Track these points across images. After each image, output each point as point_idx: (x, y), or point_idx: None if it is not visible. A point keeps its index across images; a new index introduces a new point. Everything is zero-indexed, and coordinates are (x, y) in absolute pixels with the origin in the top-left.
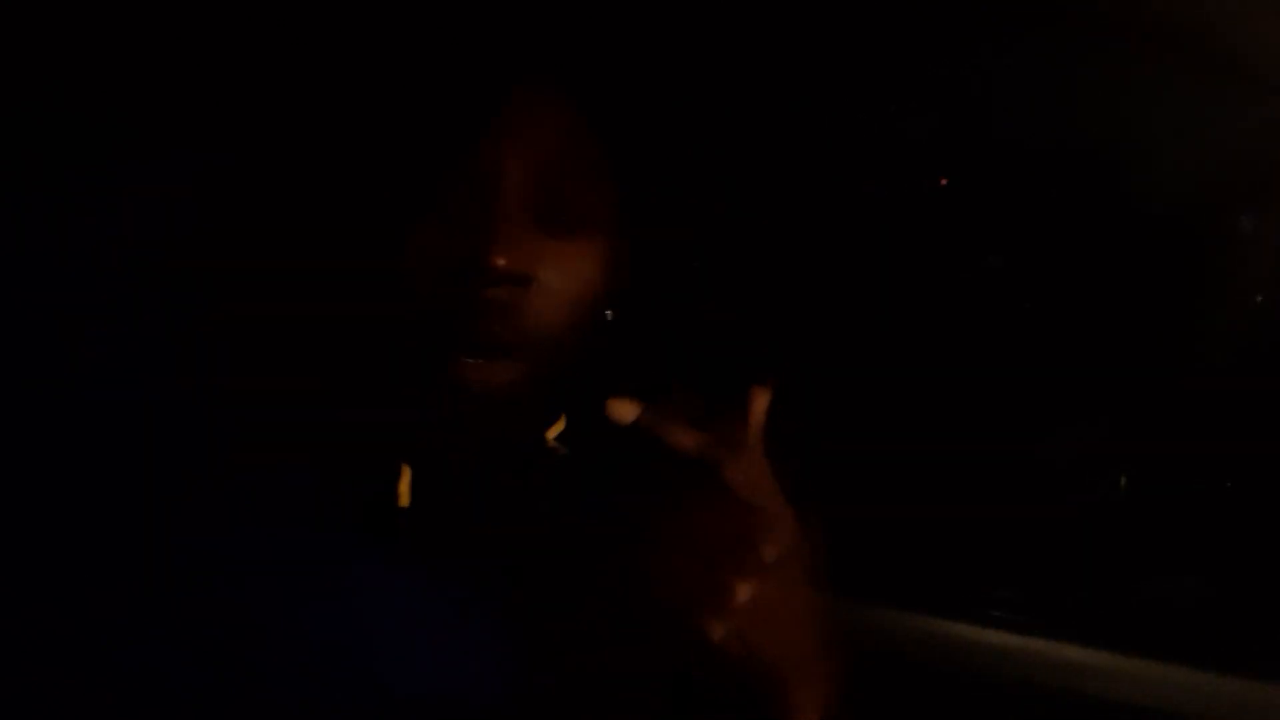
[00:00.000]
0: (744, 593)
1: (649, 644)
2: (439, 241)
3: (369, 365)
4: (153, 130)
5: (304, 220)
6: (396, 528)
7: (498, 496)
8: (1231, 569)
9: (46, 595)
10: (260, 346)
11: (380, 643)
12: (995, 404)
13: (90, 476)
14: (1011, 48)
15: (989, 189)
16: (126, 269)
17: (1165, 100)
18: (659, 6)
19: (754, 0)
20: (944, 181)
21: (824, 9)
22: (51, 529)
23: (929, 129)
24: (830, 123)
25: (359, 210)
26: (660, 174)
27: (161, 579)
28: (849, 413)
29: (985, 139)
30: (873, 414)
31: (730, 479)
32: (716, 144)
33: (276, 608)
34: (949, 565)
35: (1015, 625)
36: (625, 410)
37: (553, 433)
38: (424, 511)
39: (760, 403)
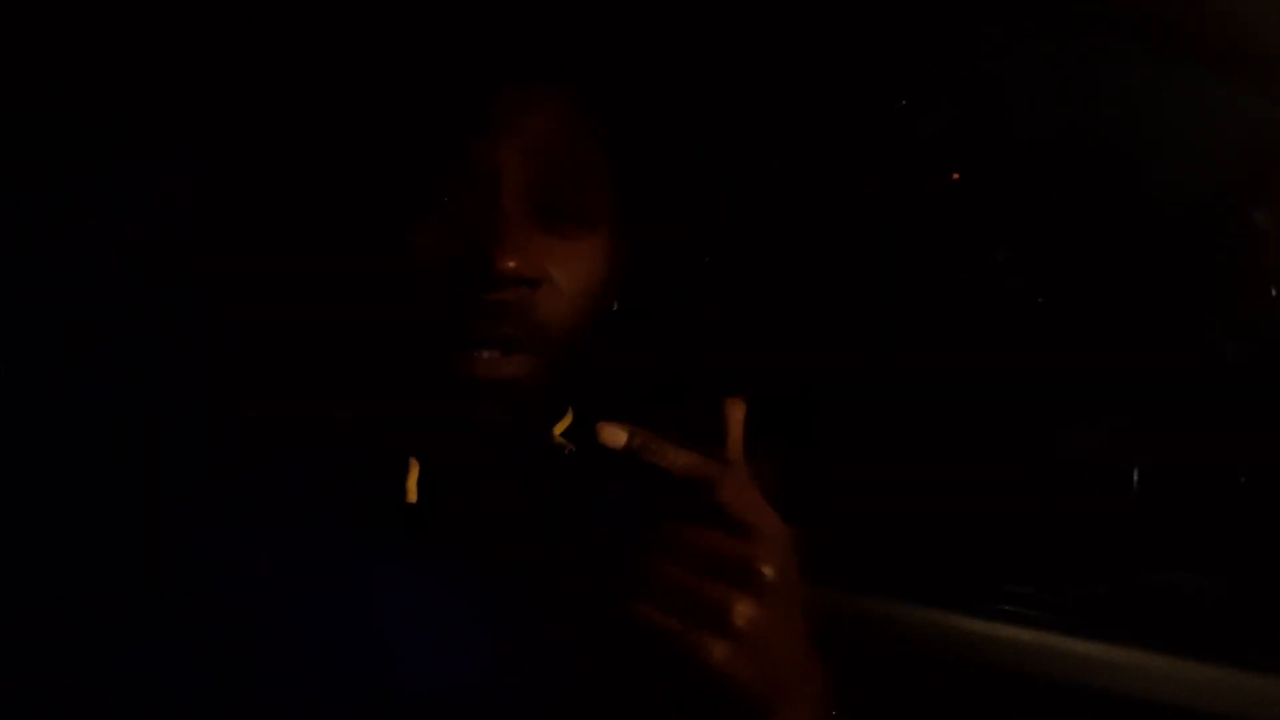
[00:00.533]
0: (742, 612)
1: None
2: (444, 242)
3: (377, 364)
4: (153, 130)
5: (308, 220)
6: (404, 525)
7: (505, 493)
8: (1243, 563)
9: (48, 595)
10: (265, 345)
11: (387, 639)
12: (1006, 399)
13: (92, 476)
14: (1022, 43)
15: (1000, 184)
16: (128, 269)
17: (1177, 95)
18: (660, 2)
19: None
20: (955, 176)
21: (832, 5)
22: (53, 529)
23: (939, 125)
24: (838, 118)
25: (363, 210)
26: (662, 169)
27: (166, 577)
28: (860, 409)
29: (996, 134)
30: (884, 410)
31: (723, 497)
32: (720, 137)
33: (283, 605)
34: (960, 560)
35: (1026, 620)
36: (615, 436)
37: (559, 429)
38: (432, 508)
39: (736, 416)
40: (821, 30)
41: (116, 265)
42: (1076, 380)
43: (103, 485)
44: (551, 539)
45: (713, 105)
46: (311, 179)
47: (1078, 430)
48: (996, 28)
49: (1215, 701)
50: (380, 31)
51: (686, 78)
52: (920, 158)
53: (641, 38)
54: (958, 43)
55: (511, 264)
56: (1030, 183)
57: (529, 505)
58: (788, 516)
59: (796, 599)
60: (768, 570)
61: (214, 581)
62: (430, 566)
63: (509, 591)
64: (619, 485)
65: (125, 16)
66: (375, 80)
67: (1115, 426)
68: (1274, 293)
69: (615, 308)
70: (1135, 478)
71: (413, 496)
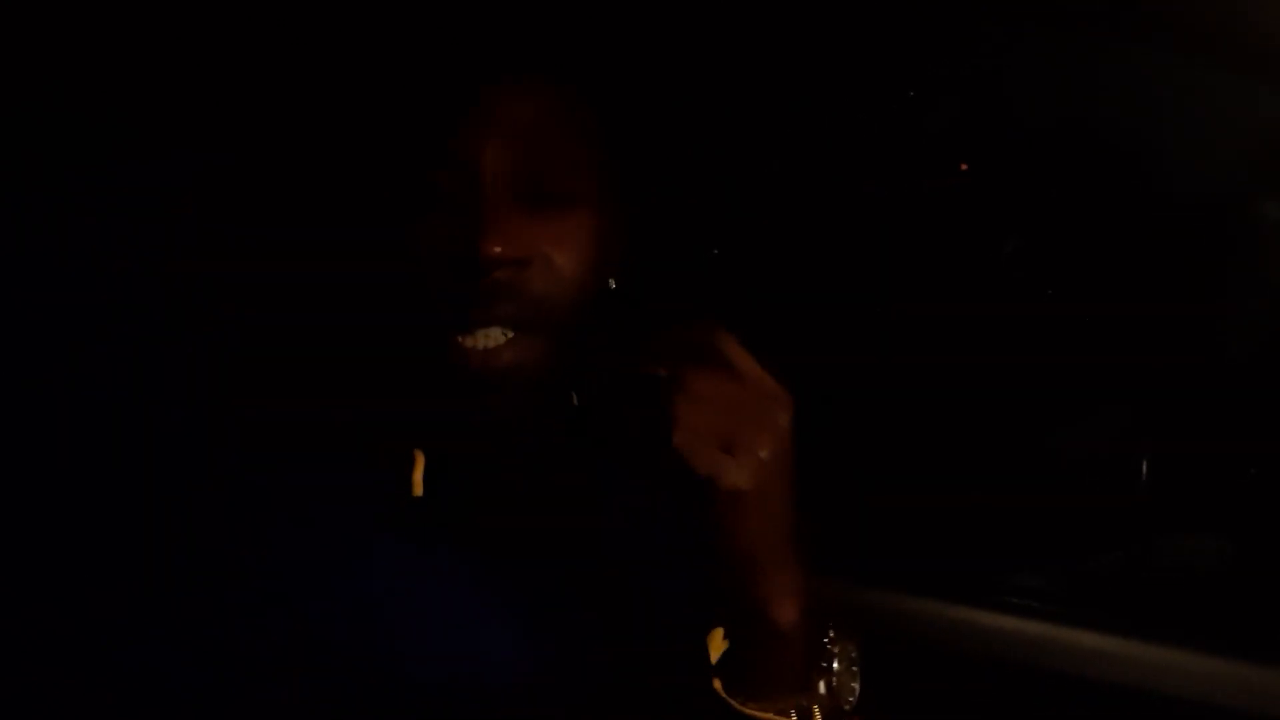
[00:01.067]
0: (764, 443)
1: (659, 626)
2: (433, 234)
3: (379, 358)
4: (153, 130)
5: (303, 218)
6: (411, 518)
7: (511, 482)
8: (1253, 557)
9: (48, 595)
10: (267, 343)
11: (398, 632)
12: (1016, 390)
13: (92, 476)
14: (1030, 37)
15: (1008, 178)
16: (128, 269)
17: (1185, 88)
18: None
19: None
20: (964, 167)
21: None
22: (53, 529)
23: (947, 118)
24: (842, 109)
25: (354, 207)
26: (651, 149)
27: (167, 577)
28: (871, 401)
29: (1004, 128)
30: (895, 403)
31: (731, 352)
32: (717, 124)
33: (289, 602)
34: (967, 552)
35: (1033, 612)
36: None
37: (563, 416)
38: (438, 498)
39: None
40: (825, 18)
41: (116, 265)
42: (1083, 372)
43: (103, 485)
44: (558, 526)
45: (705, 91)
46: (303, 178)
47: (1087, 422)
48: (1004, 21)
49: (1222, 694)
50: (361, 26)
51: (676, 65)
52: (928, 150)
53: (628, 26)
54: (966, 36)
55: (497, 248)
56: (1038, 176)
57: (535, 493)
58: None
59: (790, 462)
60: (782, 416)
61: (217, 580)
62: (438, 558)
63: (518, 580)
64: (625, 470)
65: (125, 16)
66: (358, 76)
67: (1123, 420)
68: None
69: (613, 286)
70: (1144, 470)
71: (418, 490)
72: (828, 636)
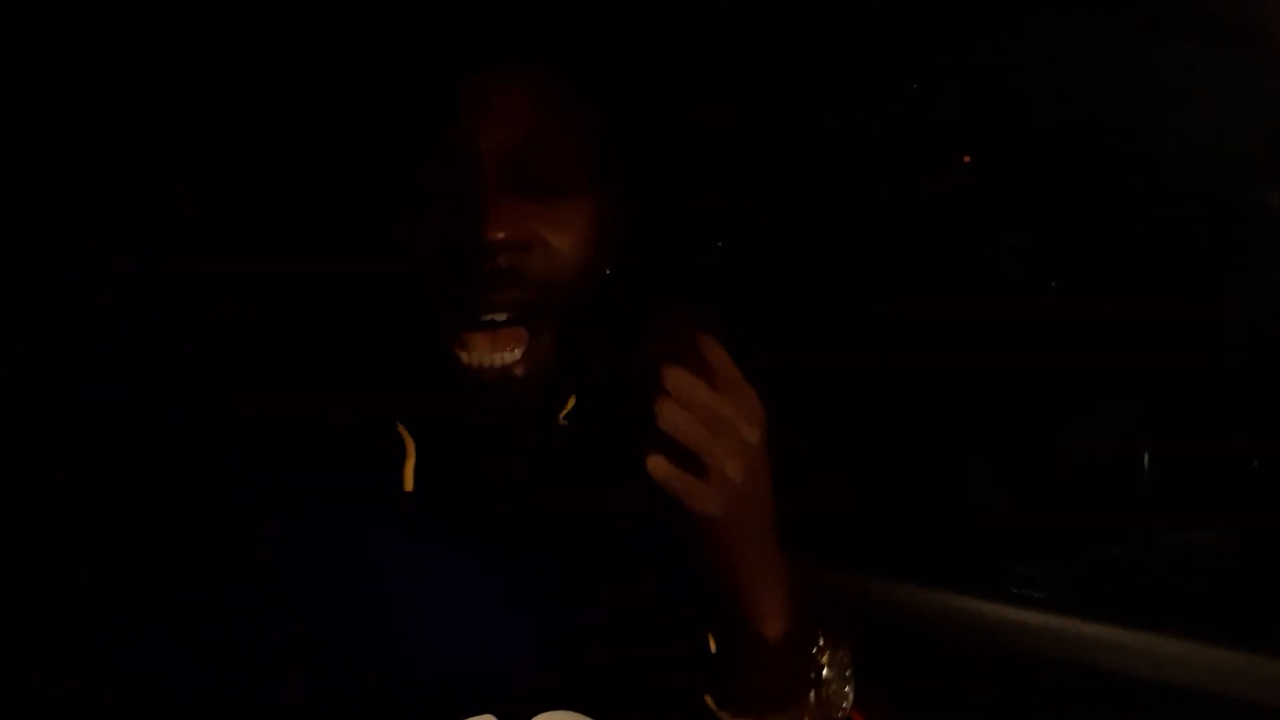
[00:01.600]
0: (733, 467)
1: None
2: (433, 226)
3: (383, 353)
4: (152, 130)
5: (302, 215)
6: (404, 513)
7: (505, 476)
8: (1254, 545)
9: (50, 595)
10: (266, 342)
11: (395, 627)
12: (1019, 385)
13: (92, 476)
14: (1037, 26)
15: (1013, 169)
16: (128, 267)
17: (1191, 78)
18: None
19: None
20: (966, 159)
21: None
22: (53, 529)
23: (953, 108)
24: (843, 100)
25: (354, 203)
26: (646, 134)
27: (169, 575)
28: (874, 393)
29: (1009, 118)
30: (895, 395)
31: (713, 357)
32: (709, 113)
33: (287, 599)
34: (970, 543)
35: (1035, 602)
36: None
37: (563, 413)
38: (432, 493)
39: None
40: (828, 6)
41: (116, 265)
42: (1087, 367)
43: (103, 485)
44: (555, 520)
45: (702, 77)
46: (302, 177)
47: (1090, 415)
48: (1008, 13)
49: (1228, 683)
50: (351, 15)
51: (672, 50)
52: (930, 143)
53: (622, 10)
54: (970, 27)
55: (499, 233)
56: (1043, 167)
57: (531, 487)
58: (795, 499)
59: (766, 479)
60: (754, 432)
61: (217, 580)
62: (434, 553)
63: (516, 574)
64: (621, 464)
65: (125, 16)
66: (350, 69)
67: (1126, 413)
68: None
69: (608, 271)
70: (1146, 461)
71: (409, 486)
72: (817, 646)
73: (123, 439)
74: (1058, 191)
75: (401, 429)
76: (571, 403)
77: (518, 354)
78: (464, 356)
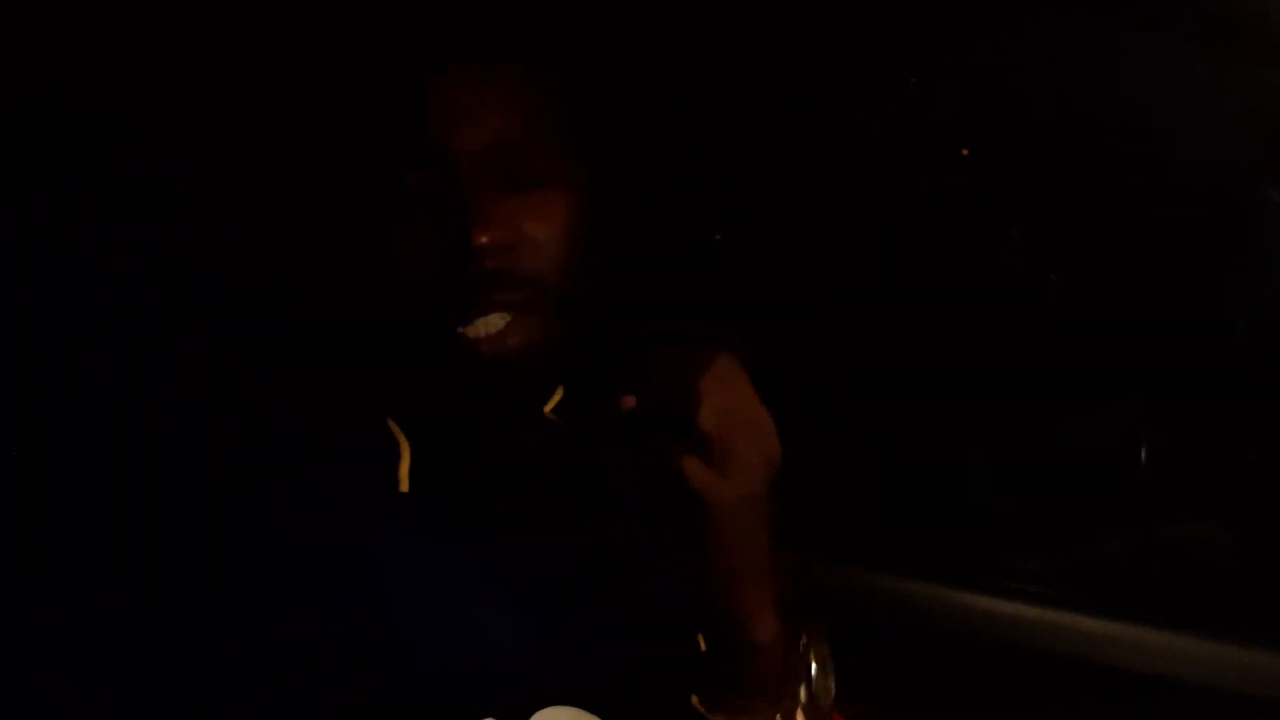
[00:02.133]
0: (756, 459)
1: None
2: (419, 229)
3: (378, 353)
4: (152, 130)
5: (293, 217)
6: (400, 512)
7: (498, 471)
8: (1253, 539)
9: (50, 595)
10: (265, 341)
11: (396, 624)
12: (1016, 373)
13: (92, 476)
14: (1038, 18)
15: (1014, 161)
16: (128, 267)
17: (1192, 70)
18: None
19: None
20: (965, 152)
21: None
22: (53, 529)
23: (953, 101)
24: (841, 92)
25: (344, 206)
26: (626, 126)
27: (169, 575)
28: (871, 387)
29: (1010, 110)
30: (891, 385)
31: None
32: (696, 104)
33: (286, 597)
34: (967, 537)
35: (1033, 596)
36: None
37: (550, 406)
38: (427, 491)
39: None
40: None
41: (116, 265)
42: (1088, 360)
43: (103, 485)
44: (553, 515)
45: (680, 64)
46: (291, 179)
47: (1089, 410)
48: (1009, 5)
49: (1226, 678)
50: (323, 18)
51: (652, 40)
52: (930, 136)
53: (598, 6)
54: (970, 19)
55: (485, 238)
56: (1044, 159)
57: (523, 485)
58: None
59: (767, 483)
60: (770, 430)
61: (217, 580)
62: (432, 551)
63: (515, 570)
64: (609, 455)
65: (125, 16)
66: (328, 71)
67: (1127, 409)
68: None
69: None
70: (1144, 453)
71: (405, 485)
72: (803, 643)
73: (122, 439)
74: (1057, 186)
75: (395, 429)
76: (559, 395)
77: (517, 343)
78: (466, 349)
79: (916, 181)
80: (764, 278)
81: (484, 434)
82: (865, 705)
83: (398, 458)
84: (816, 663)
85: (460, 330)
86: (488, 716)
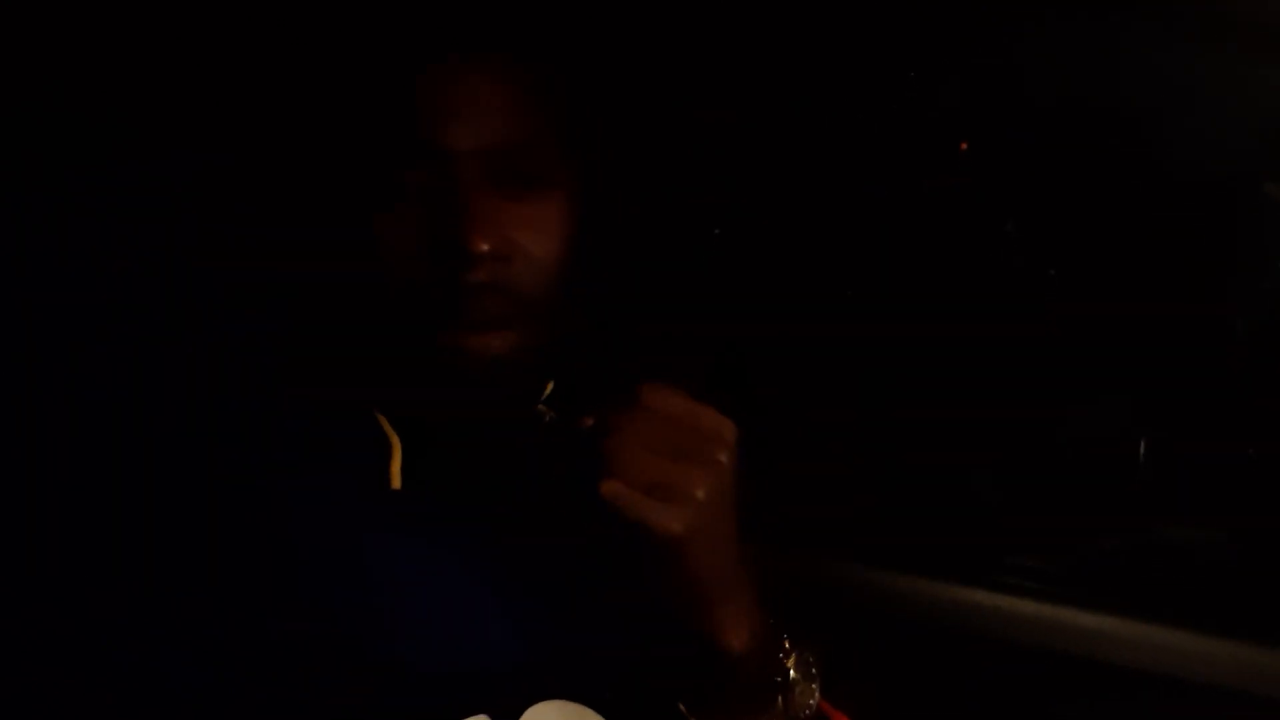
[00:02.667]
0: (700, 484)
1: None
2: (413, 228)
3: (363, 353)
4: (153, 130)
5: (288, 215)
6: (392, 510)
7: (489, 468)
8: (1250, 533)
9: (50, 595)
10: (264, 340)
11: (393, 622)
12: (1014, 370)
13: (91, 476)
14: (1035, 12)
15: (1010, 155)
16: (128, 267)
17: (1189, 65)
18: None
19: None
20: (964, 146)
21: None
22: (55, 529)
23: (951, 95)
24: (837, 86)
25: (332, 205)
26: (621, 126)
27: (169, 575)
28: (866, 381)
29: (1007, 105)
30: (889, 382)
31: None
32: (686, 99)
33: (288, 597)
34: (963, 531)
35: (1027, 591)
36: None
37: (540, 401)
38: (420, 489)
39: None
40: None
41: (116, 265)
42: (1084, 352)
43: (103, 485)
44: (545, 512)
45: (678, 61)
46: (288, 177)
47: (1086, 404)
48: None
49: (1223, 674)
50: (318, 10)
51: (649, 36)
52: (929, 129)
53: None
54: (969, 13)
55: (483, 245)
56: (1041, 156)
57: (513, 477)
58: (792, 486)
59: (734, 501)
60: (723, 451)
61: (216, 579)
62: (425, 550)
63: (504, 568)
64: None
65: (125, 16)
66: (324, 64)
67: (1123, 404)
68: None
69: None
70: (1141, 448)
71: (397, 483)
72: (783, 650)
73: (121, 438)
74: (1054, 182)
75: (386, 426)
76: (549, 388)
77: (497, 352)
78: (446, 354)
79: (916, 180)
80: (762, 275)
81: (474, 430)
82: (863, 702)
83: (388, 456)
84: (797, 670)
85: (445, 338)
86: (481, 713)
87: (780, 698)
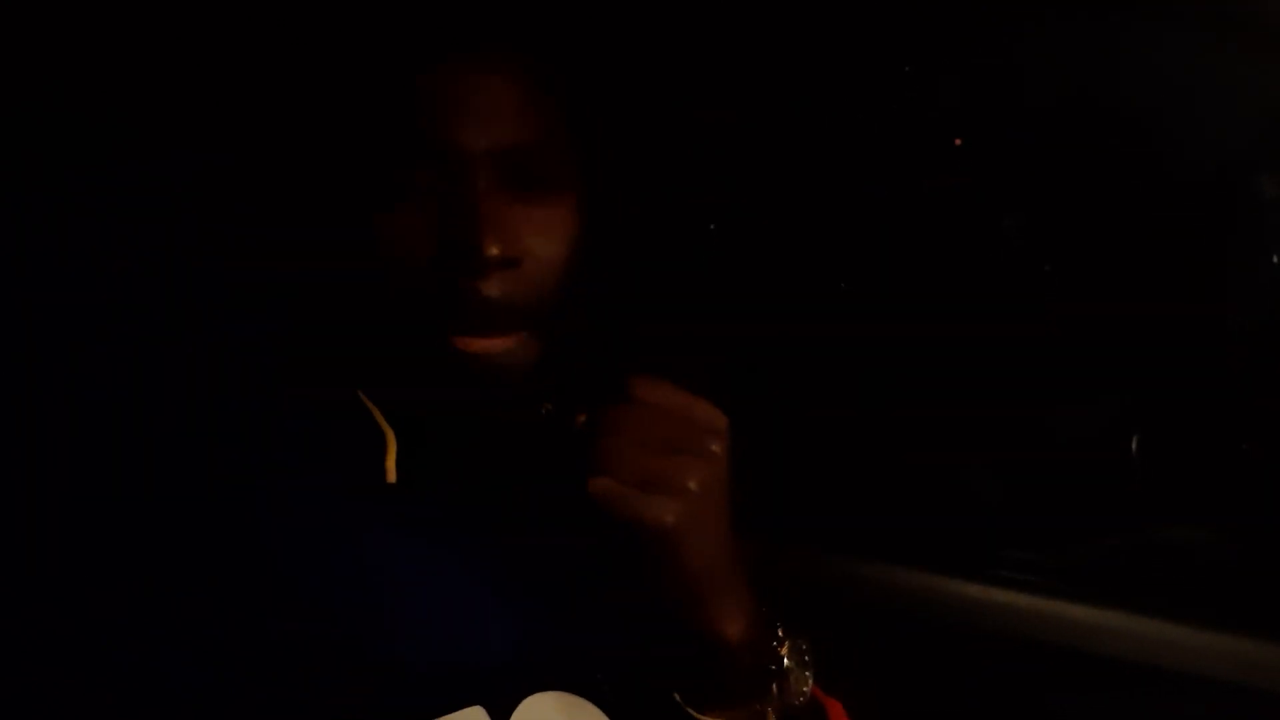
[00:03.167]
0: (692, 476)
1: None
2: (422, 229)
3: (368, 353)
4: (153, 130)
5: (292, 215)
6: (388, 504)
7: (487, 463)
8: (1245, 528)
9: (50, 595)
10: (264, 339)
11: (387, 617)
12: (1010, 363)
13: (91, 476)
14: (1031, 9)
15: (1007, 151)
16: (128, 267)
17: (1185, 61)
18: None
19: None
20: (958, 142)
21: None
22: (55, 529)
23: (949, 90)
24: (837, 81)
25: (339, 206)
26: (625, 126)
27: (169, 575)
28: (863, 374)
29: (1004, 100)
30: (887, 375)
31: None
32: (689, 97)
33: (288, 596)
34: (958, 525)
35: (1024, 585)
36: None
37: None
38: (416, 483)
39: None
40: None
41: (116, 265)
42: (1079, 347)
43: (103, 485)
44: (536, 505)
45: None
46: (292, 176)
47: (1081, 398)
48: None
49: (1217, 667)
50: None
51: (653, 36)
52: (927, 124)
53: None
54: (967, 9)
55: (495, 250)
56: (1037, 152)
57: (509, 469)
58: (788, 482)
59: (727, 492)
60: (715, 441)
61: (216, 579)
62: (417, 543)
63: (500, 561)
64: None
65: (125, 16)
66: (336, 61)
67: (1118, 397)
68: (1277, 260)
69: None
70: (1135, 442)
71: (392, 477)
72: (776, 638)
73: (122, 439)
74: (1049, 178)
75: (380, 419)
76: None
77: (505, 356)
78: (453, 357)
79: (914, 179)
80: (760, 274)
81: (472, 424)
82: (858, 695)
83: (383, 450)
84: (791, 658)
85: (451, 340)
86: (477, 705)
87: (775, 685)
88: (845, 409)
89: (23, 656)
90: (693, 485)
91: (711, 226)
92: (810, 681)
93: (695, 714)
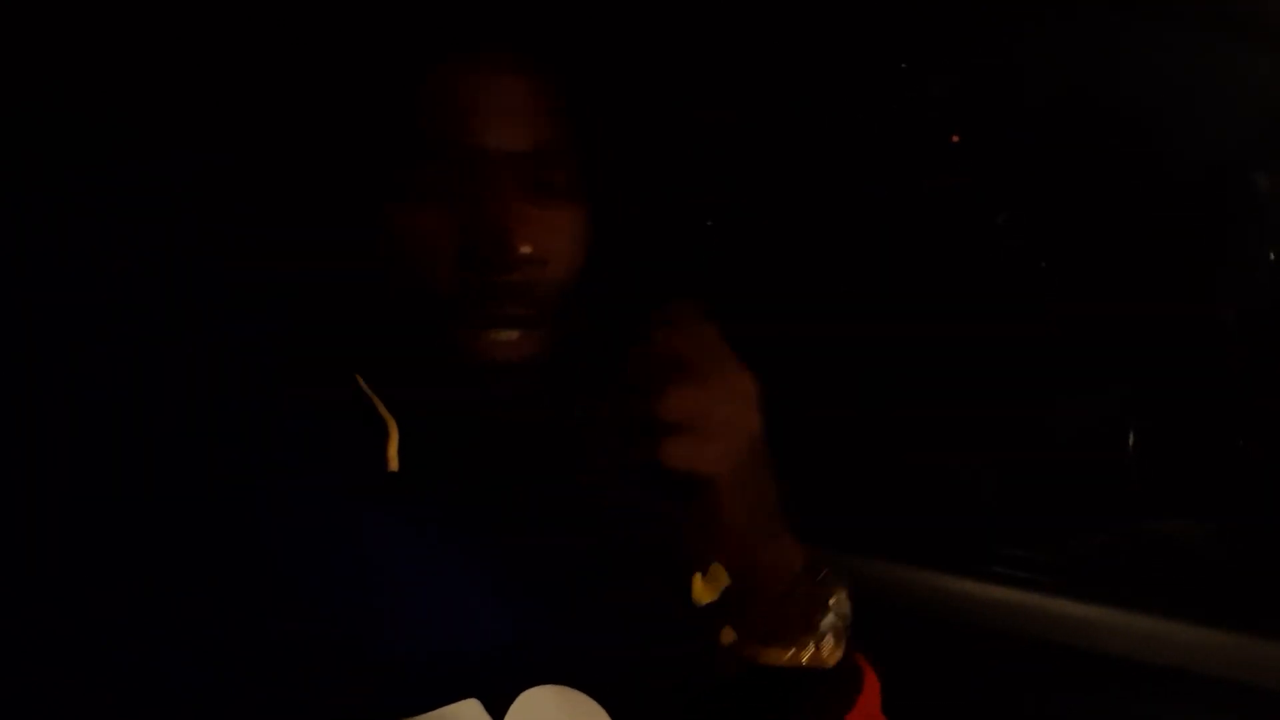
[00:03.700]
0: (740, 424)
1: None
2: (449, 227)
3: (385, 349)
4: (152, 130)
5: (301, 214)
6: (390, 493)
7: (491, 454)
8: (1242, 525)
9: (50, 595)
10: (264, 338)
11: (387, 609)
12: (1006, 360)
13: (91, 475)
14: (1029, 6)
15: (1002, 146)
16: (128, 267)
17: (1181, 56)
18: None
19: None
20: (955, 139)
21: None
22: (55, 529)
23: (945, 86)
24: (836, 78)
25: (362, 202)
26: (630, 127)
27: (169, 575)
28: (859, 372)
29: (1000, 96)
30: (883, 373)
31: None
32: (697, 97)
33: (282, 589)
34: (955, 522)
35: (1020, 581)
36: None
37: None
38: (418, 473)
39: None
40: None
41: (116, 265)
42: (1075, 344)
43: (103, 485)
44: (538, 497)
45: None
46: (301, 175)
47: (1077, 395)
48: None
49: (1213, 664)
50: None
51: (656, 40)
52: (923, 119)
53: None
54: (964, 7)
55: (526, 248)
56: (1033, 148)
57: (521, 466)
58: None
59: (763, 439)
60: (750, 391)
61: (216, 579)
62: (418, 534)
63: (500, 553)
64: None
65: (125, 16)
66: (344, 59)
67: (1114, 394)
68: (1274, 256)
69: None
70: (1131, 439)
71: (394, 465)
72: (821, 575)
73: (122, 439)
74: (1045, 174)
75: (382, 410)
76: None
77: (526, 354)
78: (474, 354)
79: (913, 177)
80: (758, 274)
81: (474, 421)
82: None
83: (385, 440)
84: (836, 594)
85: (465, 337)
86: (472, 697)
87: (821, 617)
88: (842, 407)
89: (23, 656)
90: (739, 435)
91: (709, 224)
92: (850, 614)
93: (750, 653)
